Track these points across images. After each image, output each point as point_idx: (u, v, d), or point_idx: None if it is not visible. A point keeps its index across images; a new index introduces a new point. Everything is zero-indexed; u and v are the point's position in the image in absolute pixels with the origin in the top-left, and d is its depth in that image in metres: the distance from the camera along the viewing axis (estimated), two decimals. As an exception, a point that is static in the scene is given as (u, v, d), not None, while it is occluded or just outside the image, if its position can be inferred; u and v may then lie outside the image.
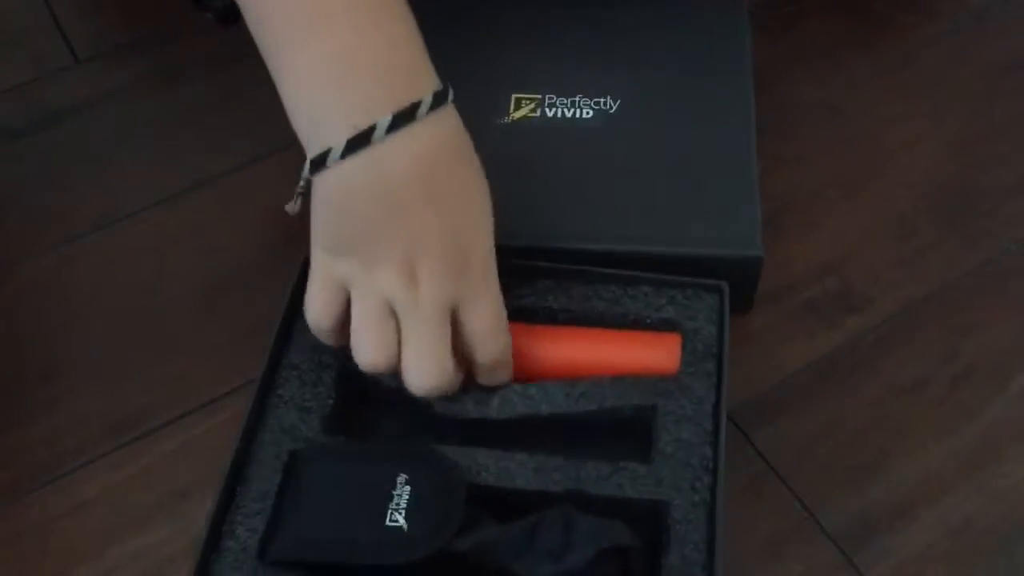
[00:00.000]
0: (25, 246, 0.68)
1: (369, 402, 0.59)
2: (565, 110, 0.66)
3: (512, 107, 0.66)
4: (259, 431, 0.56)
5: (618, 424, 0.57)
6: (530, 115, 0.66)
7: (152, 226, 0.69)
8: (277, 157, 0.70)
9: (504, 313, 0.55)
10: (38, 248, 0.68)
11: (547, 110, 0.66)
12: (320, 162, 0.51)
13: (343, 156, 0.50)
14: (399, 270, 0.52)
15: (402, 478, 0.52)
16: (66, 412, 0.61)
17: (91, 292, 0.66)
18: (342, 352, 0.56)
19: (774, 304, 0.65)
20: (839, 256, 0.67)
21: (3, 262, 0.67)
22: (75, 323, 0.64)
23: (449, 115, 0.53)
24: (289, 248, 0.60)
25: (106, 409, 0.61)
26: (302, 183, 0.52)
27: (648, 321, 0.59)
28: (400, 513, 0.51)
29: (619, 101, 0.66)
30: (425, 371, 0.53)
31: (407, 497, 0.51)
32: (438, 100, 0.51)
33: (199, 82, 0.76)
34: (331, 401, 0.57)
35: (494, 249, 0.54)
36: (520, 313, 0.59)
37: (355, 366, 0.54)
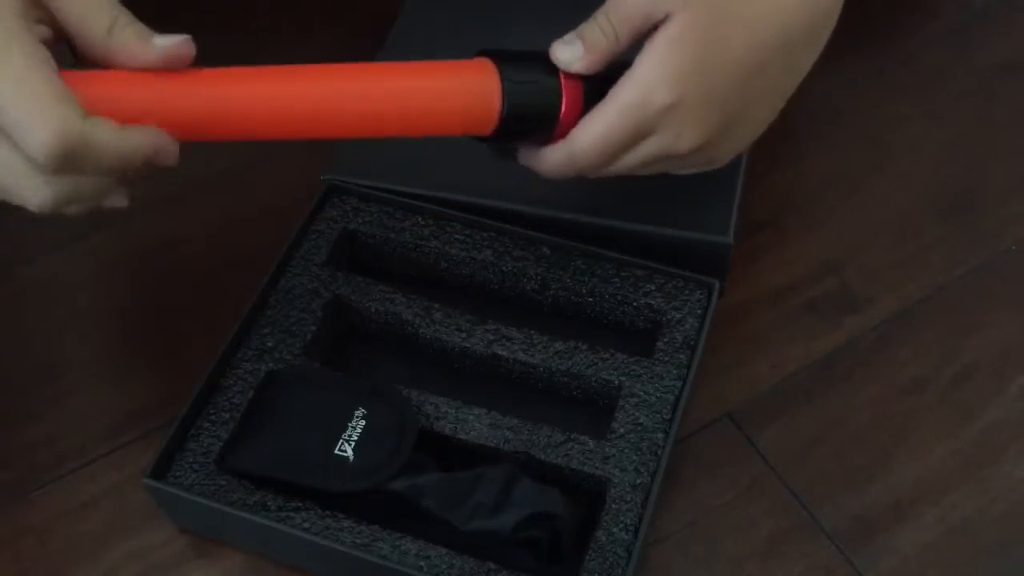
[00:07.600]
0: (25, 246, 0.68)
1: (354, 335, 0.61)
2: None
3: None
4: (243, 347, 0.58)
5: (583, 394, 0.59)
6: None
7: (152, 225, 0.69)
8: (277, 157, 0.70)
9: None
10: (38, 248, 0.68)
11: None
12: None
13: None
14: None
15: (360, 412, 0.55)
16: (66, 412, 0.61)
17: (91, 292, 0.66)
18: (335, 282, 0.60)
19: (774, 304, 0.65)
20: (839, 256, 0.67)
21: (3, 262, 0.67)
22: (75, 323, 0.64)
23: None
24: (286, 246, 0.61)
25: (106, 409, 0.61)
26: None
27: (633, 304, 0.60)
28: (350, 444, 0.54)
29: None
30: None
31: (360, 431, 0.54)
32: None
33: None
34: (315, 328, 0.59)
35: None
36: (513, 276, 0.61)
37: (347, 296, 0.59)
